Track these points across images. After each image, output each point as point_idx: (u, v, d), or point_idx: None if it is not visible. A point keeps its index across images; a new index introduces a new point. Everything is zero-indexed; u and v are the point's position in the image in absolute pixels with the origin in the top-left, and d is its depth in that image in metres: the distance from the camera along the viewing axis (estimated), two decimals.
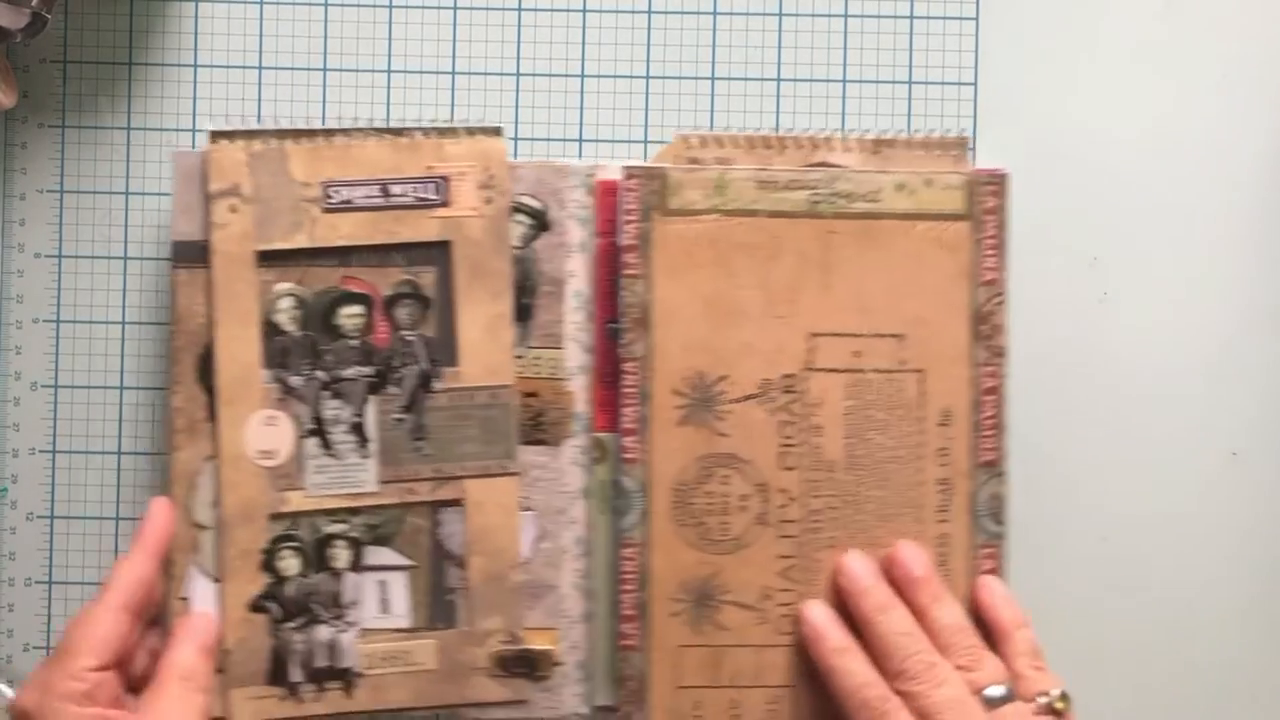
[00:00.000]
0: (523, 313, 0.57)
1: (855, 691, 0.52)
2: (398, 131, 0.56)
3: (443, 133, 0.56)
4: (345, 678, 0.56)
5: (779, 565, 0.56)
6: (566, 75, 0.59)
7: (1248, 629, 0.58)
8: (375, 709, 0.56)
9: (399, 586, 0.57)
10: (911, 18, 0.59)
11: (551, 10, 0.59)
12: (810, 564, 0.56)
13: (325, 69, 0.59)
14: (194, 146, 0.58)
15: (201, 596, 0.56)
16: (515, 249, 0.56)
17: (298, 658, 0.56)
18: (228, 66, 0.59)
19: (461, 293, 0.56)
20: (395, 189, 0.56)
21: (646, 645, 0.55)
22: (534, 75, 0.59)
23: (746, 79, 0.59)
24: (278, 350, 0.56)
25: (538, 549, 0.57)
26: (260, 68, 0.59)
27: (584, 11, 0.59)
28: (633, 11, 0.59)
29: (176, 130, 0.58)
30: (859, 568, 0.54)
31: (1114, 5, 0.59)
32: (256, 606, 0.56)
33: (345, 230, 0.56)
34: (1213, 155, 0.58)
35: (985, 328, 0.56)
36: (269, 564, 0.56)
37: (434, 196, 0.56)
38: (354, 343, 0.56)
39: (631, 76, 0.59)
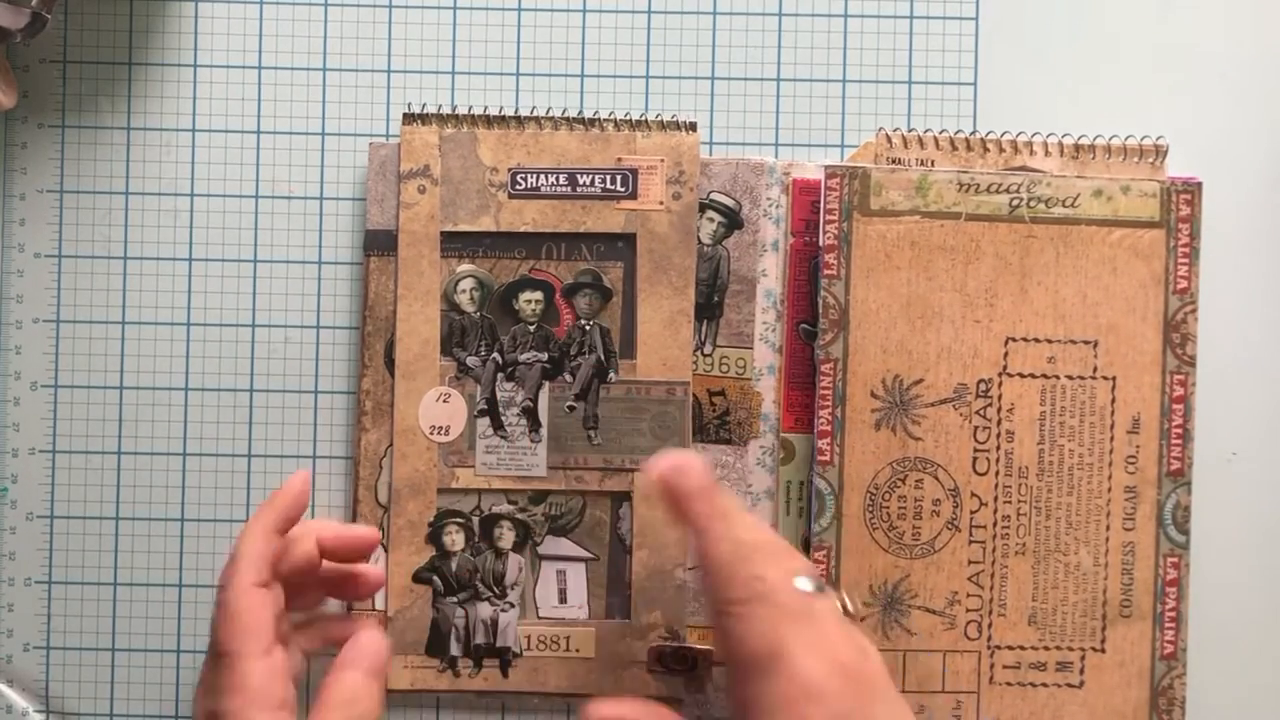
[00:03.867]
0: (712, 311, 0.57)
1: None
2: (589, 122, 0.57)
3: (635, 125, 0.57)
4: (503, 657, 0.57)
5: (968, 570, 0.56)
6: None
7: (1247, 629, 0.58)
8: (530, 691, 0.57)
9: (578, 578, 0.57)
10: (911, 18, 0.59)
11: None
12: (998, 570, 0.56)
13: (325, 69, 0.59)
14: (193, 146, 0.58)
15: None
16: (706, 247, 0.57)
17: (457, 632, 0.57)
18: (228, 66, 0.59)
19: (643, 286, 0.57)
20: (582, 179, 0.57)
21: None
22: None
23: (746, 79, 0.59)
24: (456, 330, 0.57)
25: None
26: (260, 68, 0.59)
27: (584, 11, 0.59)
28: (632, 11, 0.59)
29: (176, 130, 0.58)
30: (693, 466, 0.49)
31: (1114, 5, 0.59)
32: (420, 578, 0.57)
33: (530, 217, 0.57)
34: (1212, 155, 0.58)
35: (1176, 336, 0.56)
36: (435, 537, 0.57)
37: (621, 189, 0.57)
38: (531, 328, 0.57)
39: (631, 76, 0.59)
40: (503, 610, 0.57)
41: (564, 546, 0.57)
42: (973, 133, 0.58)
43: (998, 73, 0.59)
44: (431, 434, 0.57)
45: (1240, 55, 0.59)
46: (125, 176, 0.59)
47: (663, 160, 0.57)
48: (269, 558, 0.51)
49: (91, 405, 0.58)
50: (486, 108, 0.58)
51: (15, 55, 0.58)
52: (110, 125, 0.59)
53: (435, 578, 0.57)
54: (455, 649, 0.57)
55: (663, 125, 0.57)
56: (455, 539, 0.57)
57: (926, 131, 0.57)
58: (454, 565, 0.57)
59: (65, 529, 0.58)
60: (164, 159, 0.59)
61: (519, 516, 0.57)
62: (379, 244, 0.57)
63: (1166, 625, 0.56)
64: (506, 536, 0.57)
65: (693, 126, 0.57)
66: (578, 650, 0.57)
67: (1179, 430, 0.56)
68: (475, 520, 0.57)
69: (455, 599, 0.57)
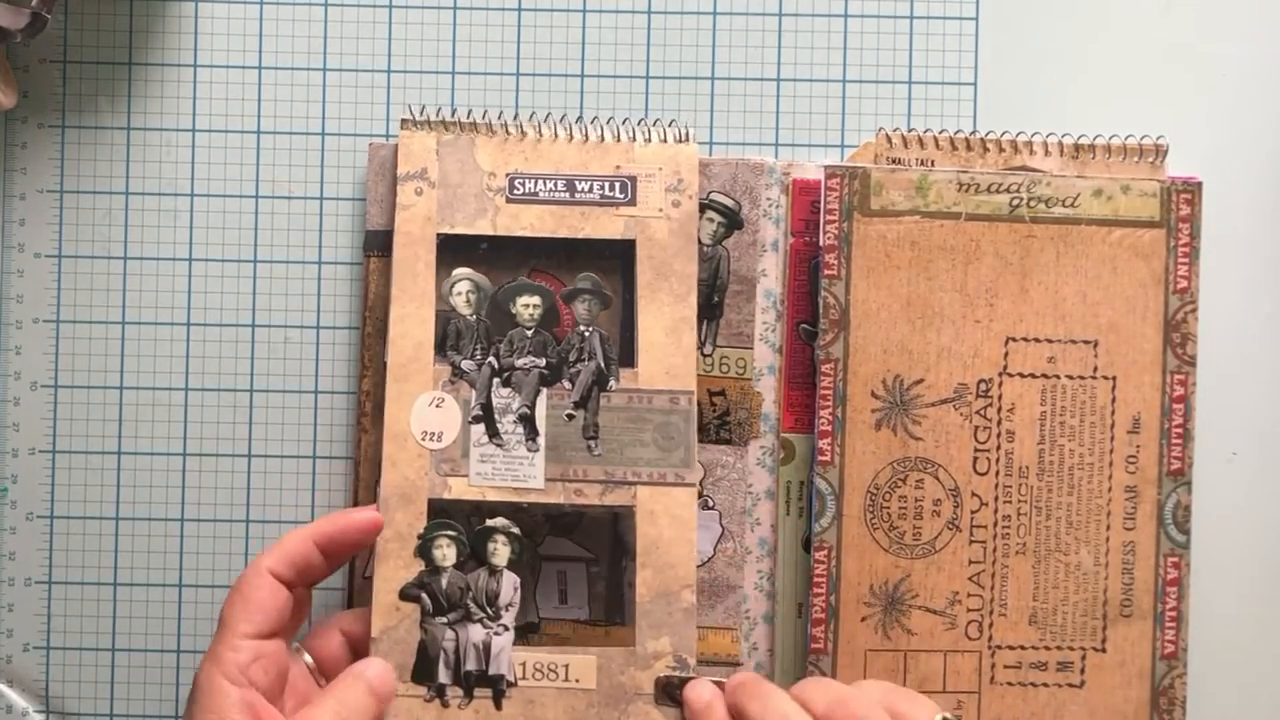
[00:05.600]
0: (712, 312, 0.57)
1: None
2: (587, 132, 0.56)
3: (633, 136, 0.56)
4: (496, 686, 0.54)
5: (969, 570, 0.56)
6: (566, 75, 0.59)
7: (1247, 629, 0.58)
8: None
9: (578, 578, 0.56)
10: (911, 18, 0.59)
11: (548, 11, 0.59)
12: (999, 570, 0.56)
13: (325, 69, 0.59)
14: (193, 146, 0.58)
15: None
16: (706, 247, 0.57)
17: (446, 656, 0.54)
18: (228, 66, 0.59)
19: (644, 293, 0.56)
20: (581, 185, 0.56)
21: (835, 649, 0.56)
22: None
23: (746, 79, 0.59)
24: (451, 332, 0.56)
25: (719, 549, 0.57)
26: (260, 68, 0.59)
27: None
28: (632, 12, 0.59)
29: (176, 130, 0.58)
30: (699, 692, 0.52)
31: (1114, 5, 0.59)
32: (407, 594, 0.54)
33: (528, 221, 0.56)
34: (1212, 156, 0.58)
35: (1176, 335, 0.56)
36: (424, 551, 0.54)
37: (620, 195, 0.56)
38: (529, 332, 0.56)
39: (631, 76, 0.59)
40: (495, 634, 0.54)
41: (564, 547, 0.57)
42: (973, 133, 0.58)
43: (998, 73, 0.59)
44: (423, 440, 0.55)
45: (1241, 54, 0.59)
46: (125, 176, 0.59)
47: (660, 169, 0.56)
48: (298, 559, 0.51)
49: (91, 405, 0.58)
50: (486, 111, 0.58)
51: (15, 55, 0.58)
52: (110, 125, 0.59)
53: (424, 595, 0.54)
54: (444, 676, 0.54)
55: (661, 136, 0.56)
56: (446, 553, 0.54)
57: (926, 131, 0.57)
58: (444, 582, 0.54)
59: (65, 529, 0.58)
60: (164, 159, 0.59)
61: (513, 530, 0.55)
62: (379, 244, 0.57)
63: (1167, 625, 0.56)
64: (501, 552, 0.55)
65: (689, 137, 0.56)
66: (577, 680, 0.54)
67: (1179, 430, 0.56)
68: (468, 534, 0.55)
69: (445, 619, 0.54)
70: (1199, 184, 0.56)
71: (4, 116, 0.58)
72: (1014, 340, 0.56)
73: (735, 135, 0.59)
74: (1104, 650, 0.56)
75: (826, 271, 0.56)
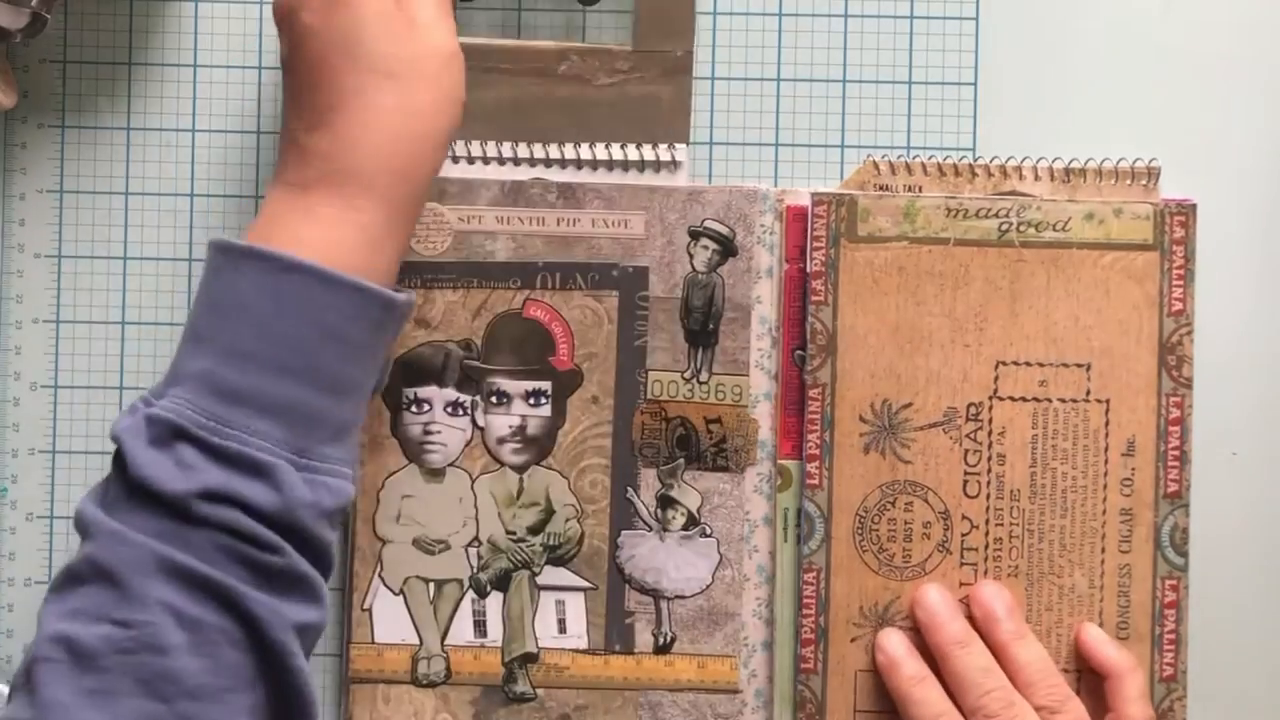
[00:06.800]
0: (707, 339, 0.57)
1: None
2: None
3: (612, 166, 0.57)
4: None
5: (960, 592, 0.56)
6: None
7: (1247, 630, 0.58)
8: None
9: (576, 608, 0.57)
10: (911, 18, 0.58)
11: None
12: None
13: None
14: (193, 146, 0.58)
15: (383, 611, 0.57)
16: (701, 274, 0.57)
17: None
18: (228, 66, 0.59)
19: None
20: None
21: (825, 670, 0.56)
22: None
23: (746, 79, 0.58)
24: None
25: (717, 576, 0.57)
26: (260, 68, 0.59)
27: None
28: None
29: (176, 130, 0.59)
30: (936, 601, 0.54)
31: (1114, 5, 0.59)
32: None
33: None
34: (1211, 155, 0.58)
35: (1172, 358, 0.55)
36: None
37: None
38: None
39: None
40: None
41: (562, 576, 0.57)
42: (961, 158, 0.57)
43: (998, 73, 0.58)
44: None
45: (1240, 56, 0.58)
46: (125, 176, 0.59)
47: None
48: None
49: (91, 405, 0.58)
50: None
51: (15, 55, 0.58)
52: (110, 125, 0.59)
53: None
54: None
55: (641, 165, 0.57)
56: None
57: (915, 158, 0.57)
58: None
59: (65, 529, 0.58)
60: (164, 159, 0.59)
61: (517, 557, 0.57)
62: None
63: (1165, 647, 0.55)
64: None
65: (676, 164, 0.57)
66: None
67: (1176, 452, 0.56)
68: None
69: None
70: (1193, 206, 0.56)
71: (4, 116, 0.59)
72: (1004, 364, 0.56)
73: (735, 135, 0.58)
74: None
75: (814, 297, 0.55)
